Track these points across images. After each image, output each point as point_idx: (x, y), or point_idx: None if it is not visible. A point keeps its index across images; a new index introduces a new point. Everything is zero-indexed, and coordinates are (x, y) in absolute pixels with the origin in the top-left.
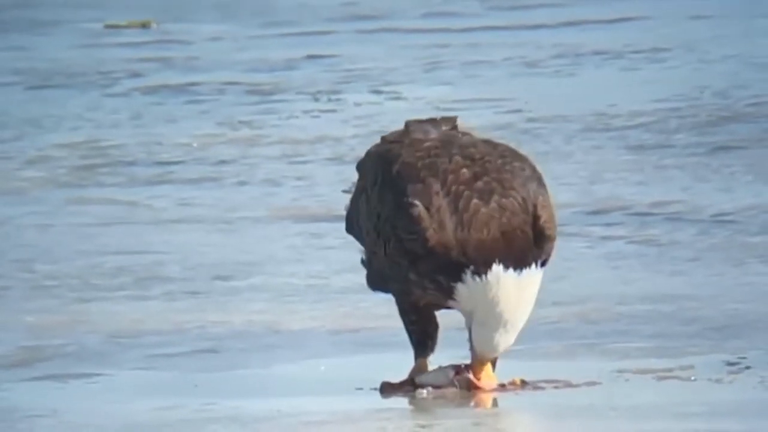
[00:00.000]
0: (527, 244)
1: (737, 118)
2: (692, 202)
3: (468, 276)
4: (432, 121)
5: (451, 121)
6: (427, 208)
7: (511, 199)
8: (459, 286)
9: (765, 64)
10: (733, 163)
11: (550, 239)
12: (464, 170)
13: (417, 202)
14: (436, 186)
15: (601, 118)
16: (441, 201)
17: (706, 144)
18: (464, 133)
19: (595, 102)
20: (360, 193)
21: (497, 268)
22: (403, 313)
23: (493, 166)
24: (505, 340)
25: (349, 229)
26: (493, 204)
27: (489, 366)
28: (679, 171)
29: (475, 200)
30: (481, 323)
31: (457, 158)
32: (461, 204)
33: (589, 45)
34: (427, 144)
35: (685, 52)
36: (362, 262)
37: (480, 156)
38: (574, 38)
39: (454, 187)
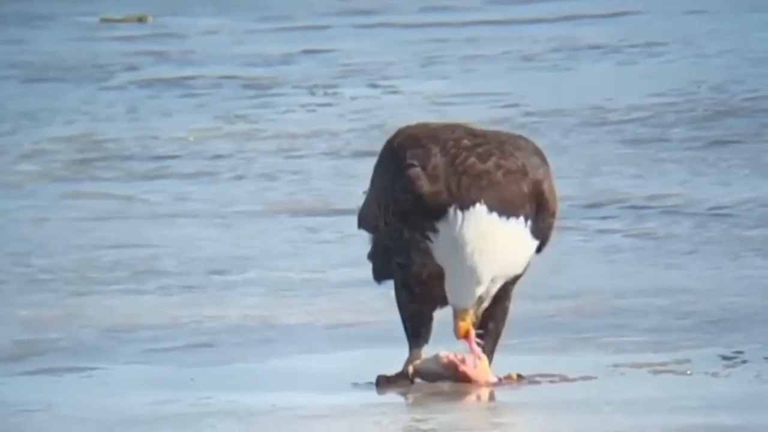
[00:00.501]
0: (519, 197)
1: (734, 112)
2: (689, 196)
3: (451, 211)
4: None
5: None
6: (424, 168)
7: (510, 161)
8: (441, 225)
9: (761, 58)
10: (729, 157)
11: (548, 210)
12: (465, 140)
13: (415, 163)
14: (436, 149)
15: (598, 112)
16: (438, 160)
17: (703, 138)
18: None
19: (592, 96)
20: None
21: (481, 208)
22: (399, 299)
23: (496, 138)
24: (476, 288)
25: (360, 223)
26: (490, 163)
27: (485, 361)
28: (675, 165)
29: (472, 158)
30: (455, 270)
31: (460, 131)
32: (458, 161)
33: (586, 39)
34: (431, 125)
35: (682, 47)
36: (368, 256)
37: (483, 134)
38: (571, 32)
39: (453, 150)
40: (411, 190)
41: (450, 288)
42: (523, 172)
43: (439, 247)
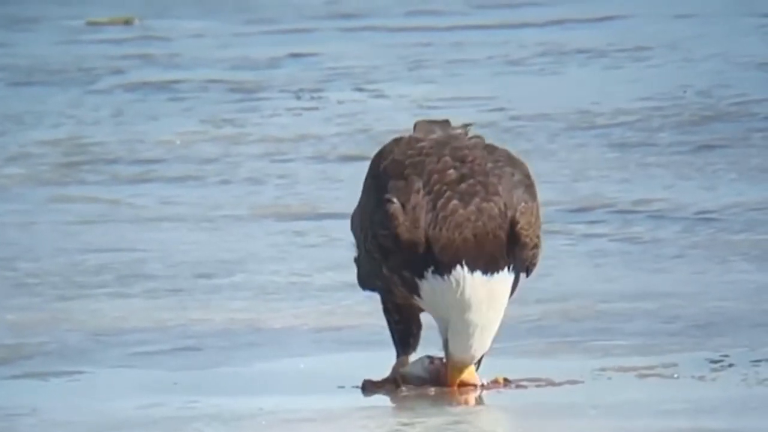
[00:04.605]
0: (499, 249)
1: (720, 117)
2: (675, 200)
3: (429, 273)
4: (442, 123)
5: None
6: (404, 205)
7: (491, 203)
8: (423, 284)
9: (748, 63)
10: (716, 161)
11: (526, 246)
12: (451, 171)
13: (394, 200)
14: (418, 184)
15: (585, 116)
16: (420, 199)
17: (690, 142)
18: (472, 137)
19: (579, 100)
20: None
21: (461, 270)
22: (386, 311)
23: (481, 169)
24: (480, 344)
25: (352, 227)
26: (472, 207)
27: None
28: (662, 169)
29: (454, 201)
30: (455, 329)
31: (447, 159)
32: (440, 203)
33: (573, 43)
34: (421, 144)
35: (669, 51)
36: (355, 260)
37: (471, 159)
38: (558, 37)
39: (437, 187)
40: (388, 228)
41: (456, 346)
42: (503, 214)
43: (430, 306)
